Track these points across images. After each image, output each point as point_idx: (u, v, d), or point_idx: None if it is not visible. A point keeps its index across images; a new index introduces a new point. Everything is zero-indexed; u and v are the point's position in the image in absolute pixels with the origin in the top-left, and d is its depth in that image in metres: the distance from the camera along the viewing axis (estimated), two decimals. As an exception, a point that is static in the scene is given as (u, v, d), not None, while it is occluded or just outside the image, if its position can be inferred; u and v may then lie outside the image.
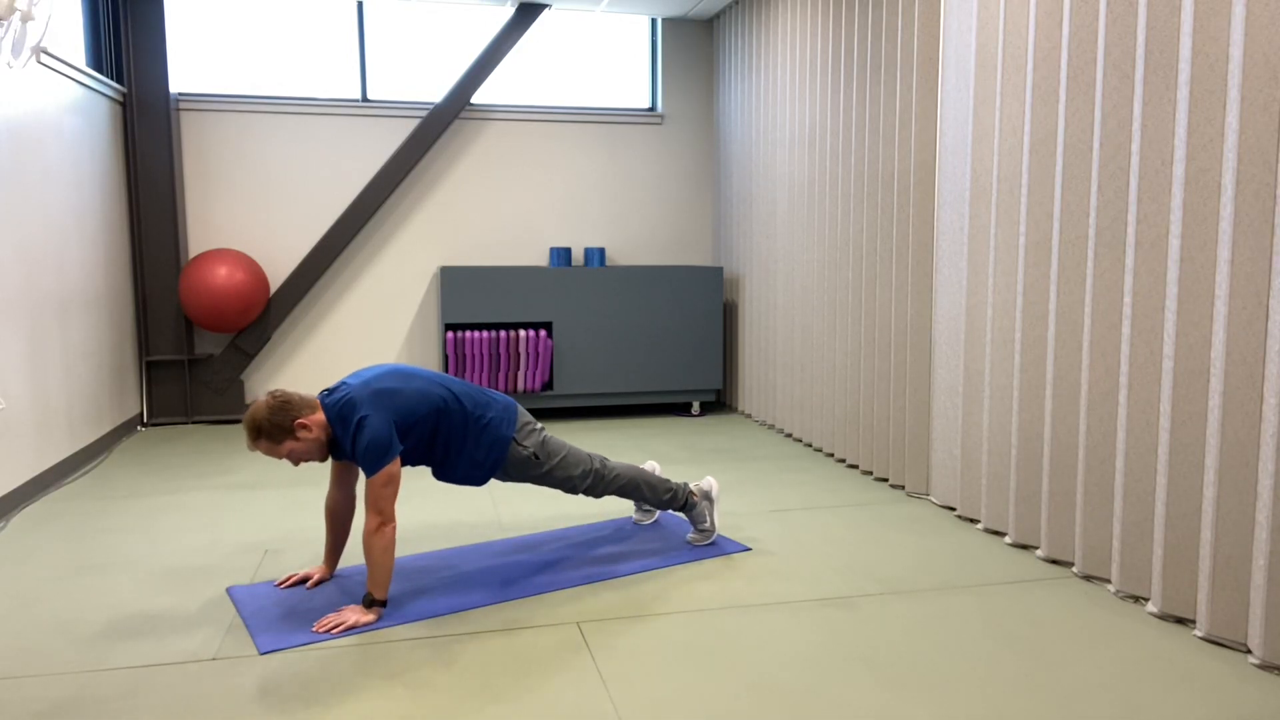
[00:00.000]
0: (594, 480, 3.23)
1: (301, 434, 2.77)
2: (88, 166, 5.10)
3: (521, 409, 3.18)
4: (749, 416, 6.21)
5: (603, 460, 3.29)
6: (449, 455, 3.00)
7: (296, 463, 2.83)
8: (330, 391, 2.87)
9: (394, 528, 2.77)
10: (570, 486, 3.20)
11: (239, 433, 5.74)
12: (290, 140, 6.19)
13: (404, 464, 2.96)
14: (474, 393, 3.06)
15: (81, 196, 4.99)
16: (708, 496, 3.48)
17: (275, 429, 2.75)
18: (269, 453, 2.78)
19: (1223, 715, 2.22)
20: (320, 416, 2.82)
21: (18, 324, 4.15)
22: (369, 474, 2.76)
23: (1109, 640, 2.64)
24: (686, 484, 3.47)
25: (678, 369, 6.22)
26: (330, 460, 3.04)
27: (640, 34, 6.76)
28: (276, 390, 2.81)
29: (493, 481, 4.48)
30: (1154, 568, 2.82)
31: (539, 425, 3.20)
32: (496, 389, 5.87)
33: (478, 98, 6.42)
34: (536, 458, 3.11)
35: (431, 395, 2.92)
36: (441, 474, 3.06)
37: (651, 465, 3.69)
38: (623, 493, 3.31)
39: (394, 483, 2.77)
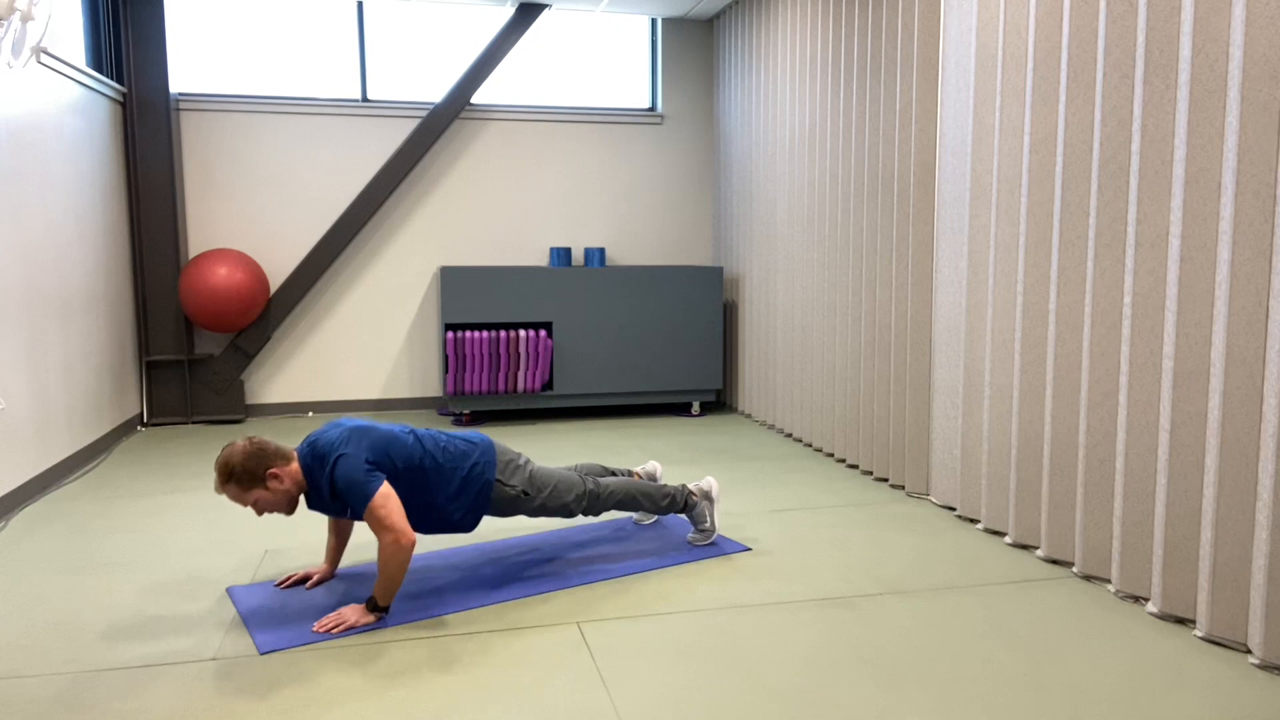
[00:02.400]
0: (590, 501, 3.20)
1: (272, 484, 2.73)
2: (88, 166, 5.10)
3: (501, 447, 3.11)
4: (749, 416, 6.21)
5: (595, 480, 3.26)
6: (431, 511, 2.93)
7: (260, 513, 2.78)
8: (310, 443, 2.83)
9: (413, 541, 2.71)
10: (567, 512, 3.17)
11: (239, 433, 5.74)
12: (290, 140, 6.19)
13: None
14: (452, 443, 2.99)
15: (81, 196, 4.99)
16: (708, 496, 3.48)
17: (246, 475, 2.70)
18: (235, 499, 2.73)
19: (1223, 715, 2.22)
20: (294, 468, 2.77)
21: (18, 324, 4.15)
22: (360, 511, 2.71)
23: (1109, 640, 2.64)
24: (685, 486, 3.46)
25: (678, 369, 6.22)
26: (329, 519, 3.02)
27: (640, 34, 6.76)
28: (254, 437, 2.77)
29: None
30: (1154, 568, 2.82)
31: (522, 459, 3.14)
32: (496, 390, 5.88)
33: (478, 98, 6.42)
34: (526, 494, 3.07)
35: (406, 448, 2.87)
36: (423, 528, 2.99)
37: (653, 466, 3.69)
38: (620, 507, 3.29)
39: (390, 501, 2.71)
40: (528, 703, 2.29)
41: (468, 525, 3.02)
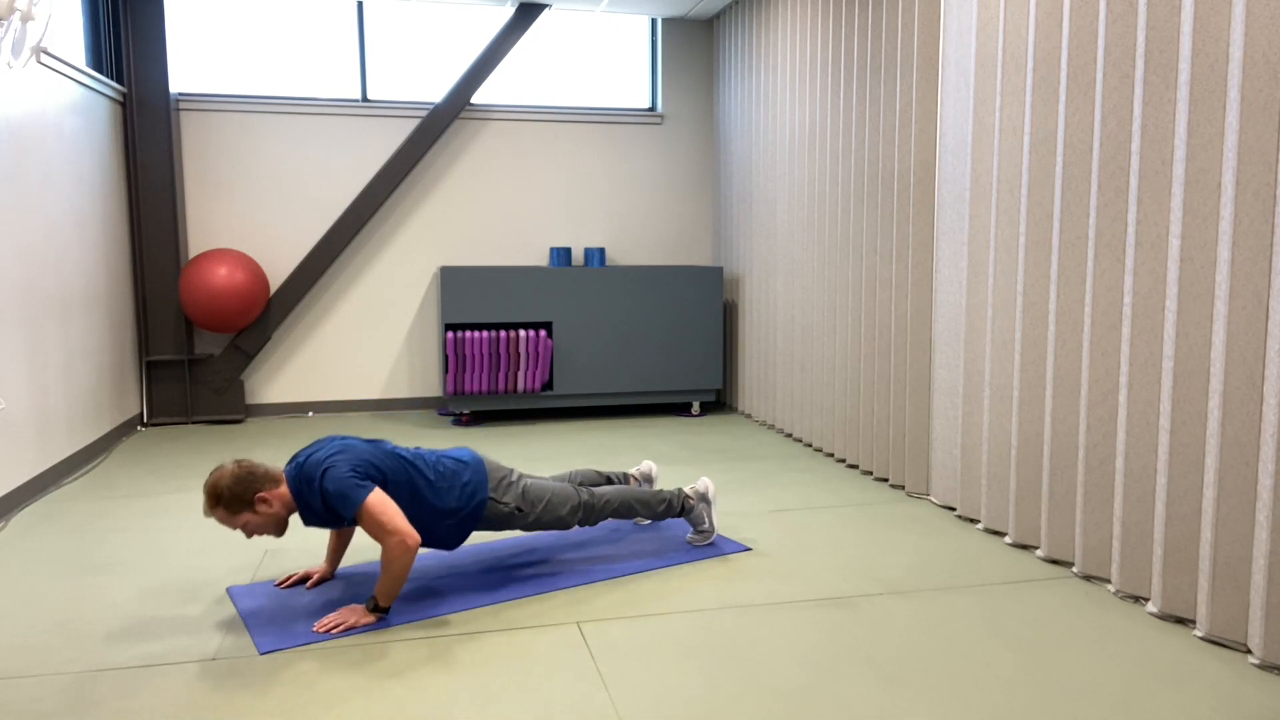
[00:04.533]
0: (585, 513, 3.19)
1: (260, 508, 2.71)
2: (88, 166, 5.10)
3: (492, 464, 3.08)
4: (749, 416, 6.21)
5: (590, 490, 3.24)
6: (419, 527, 2.91)
7: (249, 535, 2.77)
8: (295, 463, 2.81)
9: (418, 541, 2.70)
10: (562, 525, 3.16)
11: (239, 433, 5.74)
12: (290, 140, 6.19)
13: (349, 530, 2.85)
14: (442, 462, 2.98)
15: (81, 196, 4.99)
16: (704, 498, 3.47)
17: (235, 499, 2.68)
18: (223, 522, 2.72)
19: (1223, 715, 2.22)
20: (283, 490, 2.76)
21: (18, 324, 4.15)
22: (350, 516, 2.69)
23: (1109, 640, 2.64)
24: (681, 489, 3.45)
25: (677, 369, 6.22)
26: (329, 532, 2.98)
27: (640, 34, 6.76)
28: (243, 459, 2.76)
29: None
30: (1154, 568, 2.82)
31: (514, 474, 3.12)
32: (496, 390, 5.87)
33: (478, 98, 6.42)
34: (520, 510, 3.06)
35: (396, 466, 2.85)
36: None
37: (648, 466, 3.69)
38: (617, 515, 3.29)
39: (387, 504, 2.69)
40: (528, 703, 2.29)
41: (452, 543, 3.01)
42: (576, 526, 3.23)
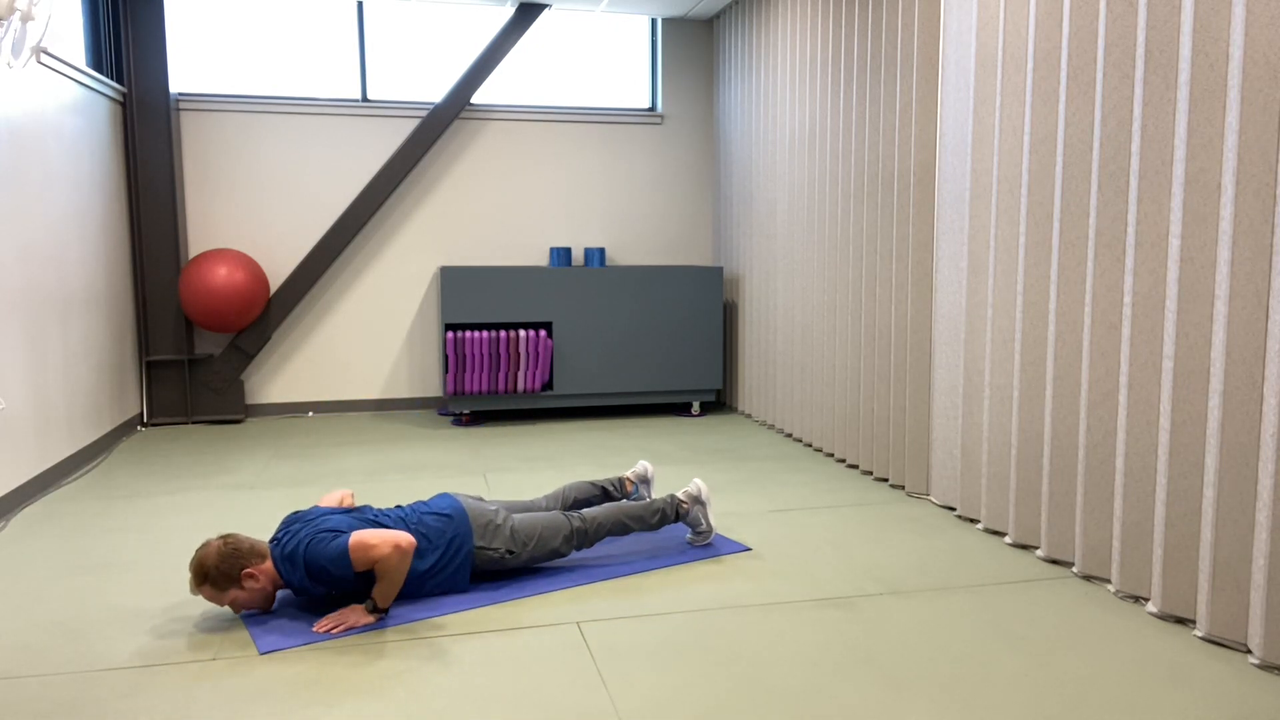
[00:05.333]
0: (579, 539, 3.19)
1: (247, 584, 2.72)
2: (88, 166, 5.10)
3: (472, 508, 3.06)
4: (749, 416, 6.21)
5: (581, 516, 3.22)
6: (409, 584, 2.91)
7: (237, 611, 2.77)
8: (276, 540, 2.83)
9: (411, 542, 2.71)
10: (558, 556, 3.16)
11: (239, 433, 5.74)
12: (290, 140, 6.19)
13: (353, 592, 2.85)
14: (425, 520, 2.97)
15: (81, 196, 4.99)
16: (697, 500, 3.45)
17: (222, 577, 2.69)
18: (211, 599, 2.73)
19: (1223, 715, 2.22)
20: (268, 565, 2.77)
21: (18, 324, 4.15)
22: (346, 570, 2.69)
23: (1109, 640, 2.64)
24: (673, 495, 3.43)
25: (678, 369, 6.22)
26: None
27: (640, 34, 6.76)
28: (229, 535, 2.76)
29: (490, 479, 4.48)
30: (1154, 568, 2.82)
31: (500, 515, 3.09)
32: (496, 389, 5.87)
33: (478, 98, 6.42)
34: (510, 553, 3.05)
35: (379, 524, 2.86)
36: (400, 597, 2.95)
37: (643, 466, 3.68)
38: (612, 535, 3.28)
39: (361, 534, 2.68)
40: (528, 703, 2.29)
41: (437, 594, 3.00)
42: (574, 553, 3.22)
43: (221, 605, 2.76)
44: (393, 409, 6.51)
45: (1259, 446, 2.49)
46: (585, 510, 3.26)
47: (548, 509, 3.38)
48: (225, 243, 6.16)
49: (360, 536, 2.69)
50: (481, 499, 3.22)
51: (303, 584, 2.76)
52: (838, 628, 2.73)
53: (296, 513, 2.95)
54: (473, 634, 2.70)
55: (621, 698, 2.31)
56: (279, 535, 2.84)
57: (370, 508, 3.02)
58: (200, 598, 2.97)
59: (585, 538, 3.20)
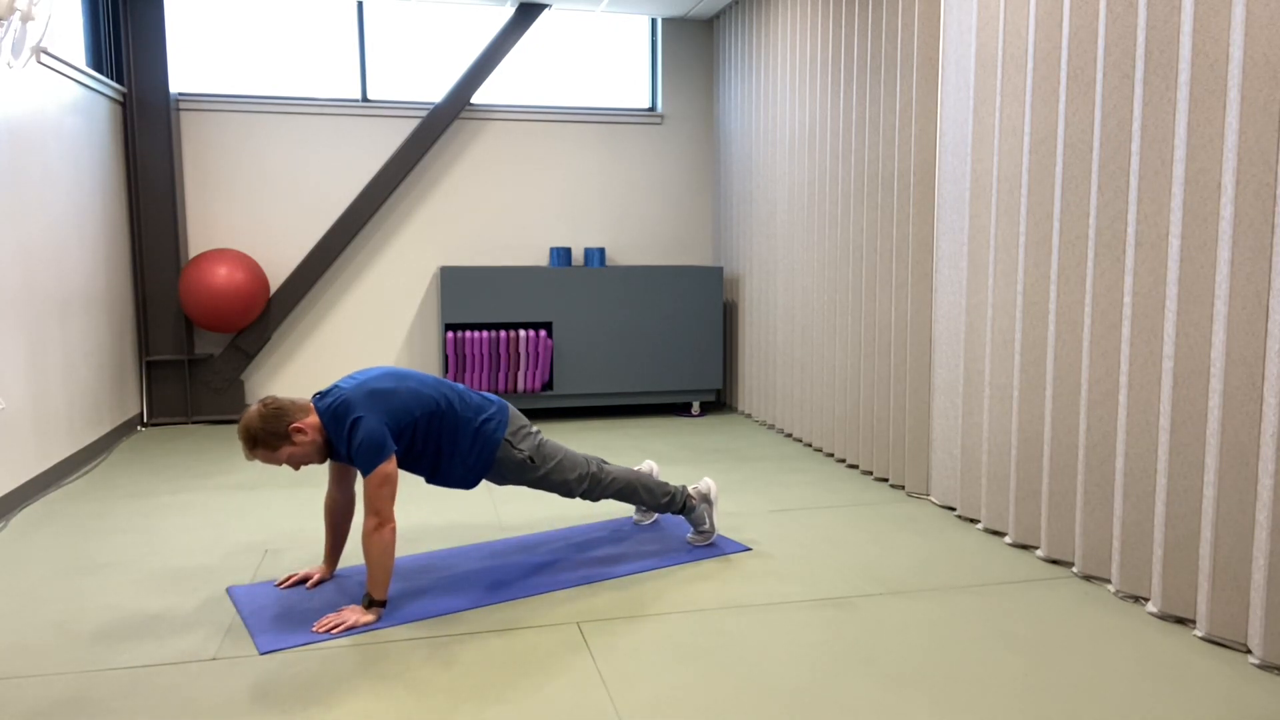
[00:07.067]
0: (590, 484, 3.22)
1: (298, 438, 2.76)
2: (88, 166, 5.10)
3: (515, 412, 3.15)
4: (749, 416, 6.21)
5: (600, 464, 3.28)
6: (441, 459, 2.98)
7: (297, 467, 2.82)
8: (323, 395, 2.86)
9: (393, 528, 2.75)
10: (567, 490, 3.19)
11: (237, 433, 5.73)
12: (290, 140, 6.19)
13: (400, 468, 2.95)
14: (469, 396, 3.05)
15: (81, 196, 4.99)
16: (706, 498, 3.47)
17: (271, 436, 2.74)
18: (267, 460, 2.78)
19: (1223, 715, 2.22)
20: (314, 419, 2.81)
21: (18, 324, 4.15)
22: (365, 473, 2.75)
23: (1109, 640, 2.64)
24: (684, 487, 3.46)
25: (678, 369, 6.22)
26: (328, 461, 3.04)
27: (640, 34, 6.76)
28: (267, 397, 2.79)
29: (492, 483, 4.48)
30: (1154, 568, 2.82)
31: (535, 429, 3.18)
32: (496, 389, 5.88)
33: (478, 98, 6.42)
34: (532, 461, 3.10)
35: (425, 397, 2.90)
36: (435, 478, 3.04)
37: (649, 465, 3.69)
38: (620, 496, 3.30)
39: (390, 483, 2.75)
40: (528, 703, 2.29)
41: (470, 481, 3.05)
42: (579, 497, 3.24)
43: (279, 464, 2.80)
44: (393, 409, 6.50)
45: (1259, 446, 2.49)
46: (605, 465, 3.30)
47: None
48: (225, 243, 6.17)
49: (384, 479, 2.72)
50: None
51: (344, 447, 2.79)
52: (838, 628, 2.73)
53: (350, 375, 2.96)
54: (473, 634, 2.70)
55: (621, 698, 2.31)
56: (328, 395, 2.86)
57: (416, 372, 3.02)
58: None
59: (596, 485, 3.23)
